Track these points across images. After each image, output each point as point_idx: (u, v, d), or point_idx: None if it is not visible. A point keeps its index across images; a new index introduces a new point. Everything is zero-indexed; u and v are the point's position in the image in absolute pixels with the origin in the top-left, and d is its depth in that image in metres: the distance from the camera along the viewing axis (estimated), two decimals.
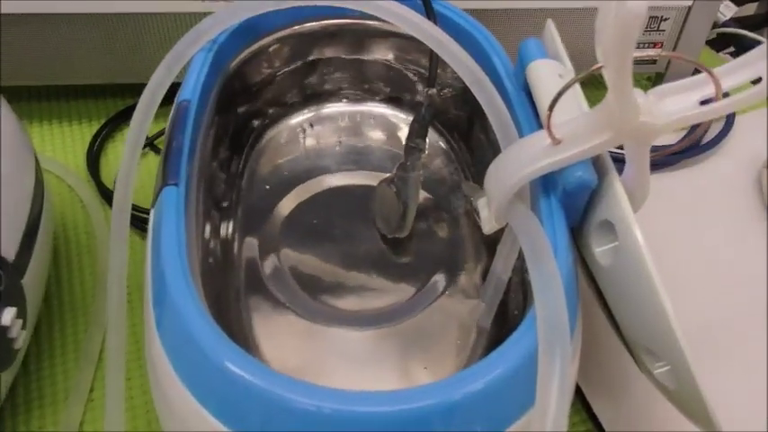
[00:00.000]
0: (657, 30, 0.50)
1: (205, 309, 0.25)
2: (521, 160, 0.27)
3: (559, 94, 0.25)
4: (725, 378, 0.30)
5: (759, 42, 0.58)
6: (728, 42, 0.61)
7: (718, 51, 0.60)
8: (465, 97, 0.39)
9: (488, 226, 0.29)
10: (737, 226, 0.46)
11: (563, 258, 0.26)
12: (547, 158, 0.26)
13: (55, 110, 0.50)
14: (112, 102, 0.50)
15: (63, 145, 0.48)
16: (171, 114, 0.32)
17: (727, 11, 0.61)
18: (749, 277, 0.42)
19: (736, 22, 0.61)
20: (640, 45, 0.51)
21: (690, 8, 0.48)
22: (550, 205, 0.28)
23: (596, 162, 0.28)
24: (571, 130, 0.26)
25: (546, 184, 0.29)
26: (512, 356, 0.23)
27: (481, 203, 0.30)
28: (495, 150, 0.35)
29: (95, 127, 0.48)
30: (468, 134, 0.40)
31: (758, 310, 0.40)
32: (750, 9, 0.65)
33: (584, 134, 0.25)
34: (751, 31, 0.59)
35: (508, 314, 0.33)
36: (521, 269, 0.31)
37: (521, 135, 0.30)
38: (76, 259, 0.41)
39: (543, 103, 0.30)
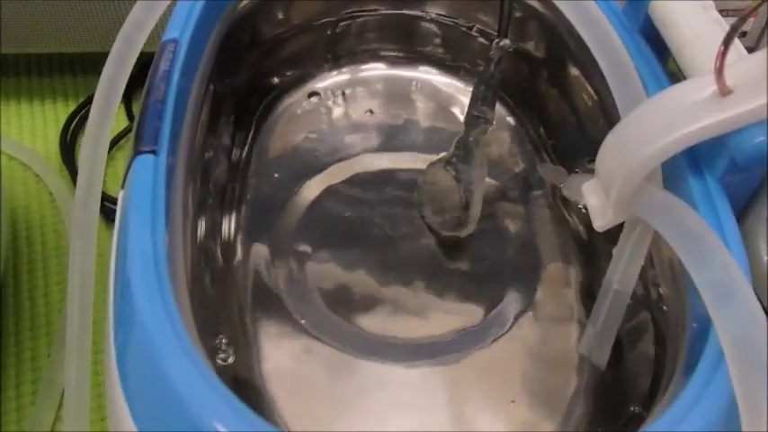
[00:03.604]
0: None
1: (192, 337, 0.20)
2: (664, 122, 0.21)
3: (742, 20, 0.19)
4: None
5: None
6: None
7: None
8: (539, 56, 0.35)
9: (603, 219, 0.24)
10: None
11: (739, 260, 0.20)
12: (709, 116, 0.20)
13: (24, 86, 0.47)
14: (93, 78, 0.47)
15: (33, 127, 0.45)
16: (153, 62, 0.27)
17: None
18: None
19: None
20: (728, 13, 0.45)
21: None
22: (706, 187, 0.22)
23: None
24: (747, 74, 0.20)
25: (695, 157, 0.23)
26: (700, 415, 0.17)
27: (589, 188, 0.24)
28: (582, 123, 0.31)
29: (72, 107, 0.45)
30: (543, 104, 0.36)
31: None
32: None
33: None
34: None
35: (622, 345, 0.27)
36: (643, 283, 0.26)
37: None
38: (41, 265, 0.38)
39: (687, 43, 0.24)
